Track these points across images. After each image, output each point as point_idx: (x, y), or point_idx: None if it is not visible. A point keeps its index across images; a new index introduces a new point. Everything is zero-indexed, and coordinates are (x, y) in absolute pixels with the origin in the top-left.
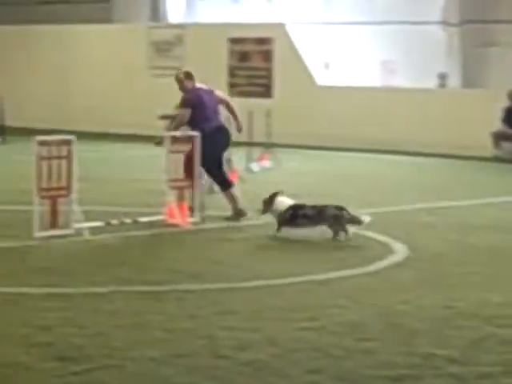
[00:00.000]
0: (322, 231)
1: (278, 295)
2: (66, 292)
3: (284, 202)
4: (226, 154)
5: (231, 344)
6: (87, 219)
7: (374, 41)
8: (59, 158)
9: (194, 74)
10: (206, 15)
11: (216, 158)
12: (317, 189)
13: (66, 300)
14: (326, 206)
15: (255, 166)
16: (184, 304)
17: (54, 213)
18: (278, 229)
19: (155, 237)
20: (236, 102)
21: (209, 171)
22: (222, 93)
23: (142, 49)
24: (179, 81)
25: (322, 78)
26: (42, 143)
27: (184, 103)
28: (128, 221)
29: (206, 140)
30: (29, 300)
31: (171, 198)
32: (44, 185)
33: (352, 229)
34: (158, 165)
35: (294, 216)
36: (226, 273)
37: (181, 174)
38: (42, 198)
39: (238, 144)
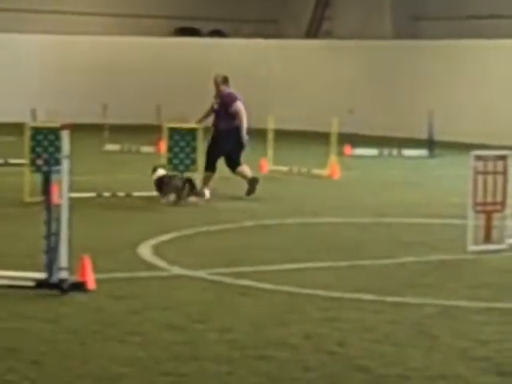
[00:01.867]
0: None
1: None
2: (504, 307)
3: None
4: None
5: None
6: None
7: None
8: (495, 173)
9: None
10: None
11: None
12: None
13: (504, 314)
14: (174, 177)
15: None
16: None
17: (488, 227)
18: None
19: None
20: None
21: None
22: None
23: None
24: (216, 84)
25: None
26: (479, 158)
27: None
28: None
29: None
30: (466, 313)
31: None
32: (479, 199)
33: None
34: None
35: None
36: None
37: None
38: (477, 212)
39: None
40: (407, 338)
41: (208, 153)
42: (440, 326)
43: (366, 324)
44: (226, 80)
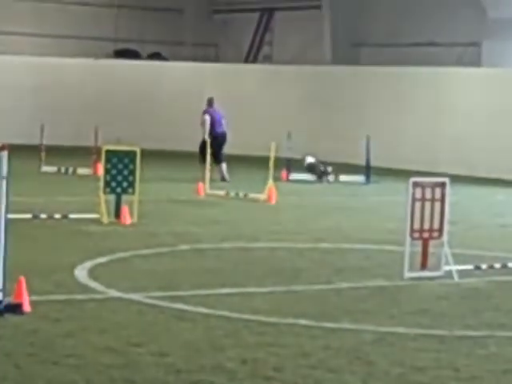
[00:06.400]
0: None
1: None
2: (440, 334)
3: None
4: None
5: None
6: (456, 262)
7: None
8: (433, 200)
9: None
10: None
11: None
12: None
13: (441, 341)
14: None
15: None
16: None
17: (425, 254)
18: None
19: None
20: None
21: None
22: None
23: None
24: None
25: None
26: (417, 184)
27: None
28: (497, 265)
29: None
30: (403, 340)
31: None
32: (416, 226)
33: None
34: None
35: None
36: None
37: None
38: (414, 238)
39: None
40: (344, 364)
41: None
42: (377, 353)
43: (303, 350)
44: (208, 100)
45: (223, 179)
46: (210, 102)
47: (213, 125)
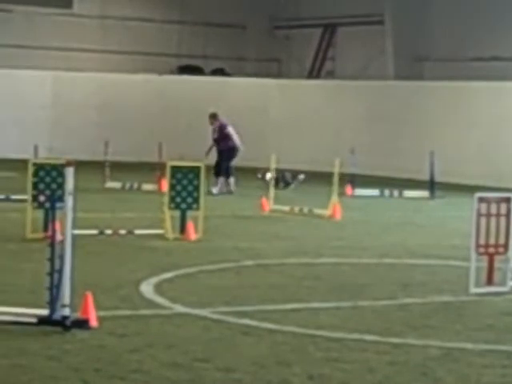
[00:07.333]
0: None
1: None
2: (507, 349)
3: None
4: None
5: None
6: None
7: None
8: (498, 215)
9: None
10: None
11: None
12: None
13: (507, 357)
14: None
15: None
16: None
17: (490, 269)
18: None
19: None
20: None
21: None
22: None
23: None
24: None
25: None
26: (482, 200)
27: None
28: None
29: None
30: (469, 356)
31: None
32: (482, 241)
33: None
34: None
35: None
36: None
37: None
38: (480, 254)
39: None
40: (410, 380)
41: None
42: (443, 369)
43: (369, 365)
44: (213, 115)
45: (230, 192)
46: (215, 116)
47: (226, 138)
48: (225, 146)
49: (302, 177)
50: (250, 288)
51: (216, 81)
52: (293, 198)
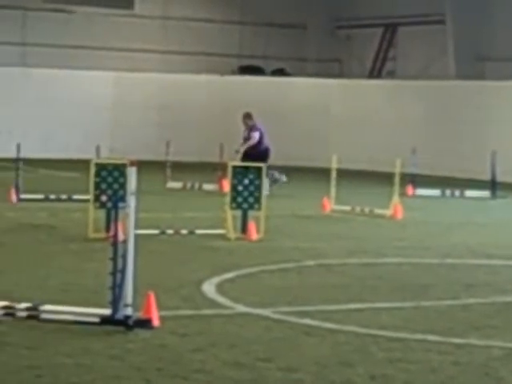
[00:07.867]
0: None
1: None
2: None
3: None
4: None
5: None
6: None
7: None
8: None
9: None
10: None
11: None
12: None
13: None
14: None
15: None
16: None
17: None
18: None
19: None
20: None
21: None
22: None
23: None
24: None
25: None
26: None
27: None
28: None
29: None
30: None
31: None
32: None
33: None
34: None
35: None
36: None
37: None
38: None
39: None
40: (473, 381)
41: None
42: (506, 369)
43: (432, 365)
44: (248, 115)
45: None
46: (251, 116)
47: (260, 140)
48: (259, 148)
49: (284, 179)
50: (312, 288)
51: (277, 81)
52: (354, 198)
